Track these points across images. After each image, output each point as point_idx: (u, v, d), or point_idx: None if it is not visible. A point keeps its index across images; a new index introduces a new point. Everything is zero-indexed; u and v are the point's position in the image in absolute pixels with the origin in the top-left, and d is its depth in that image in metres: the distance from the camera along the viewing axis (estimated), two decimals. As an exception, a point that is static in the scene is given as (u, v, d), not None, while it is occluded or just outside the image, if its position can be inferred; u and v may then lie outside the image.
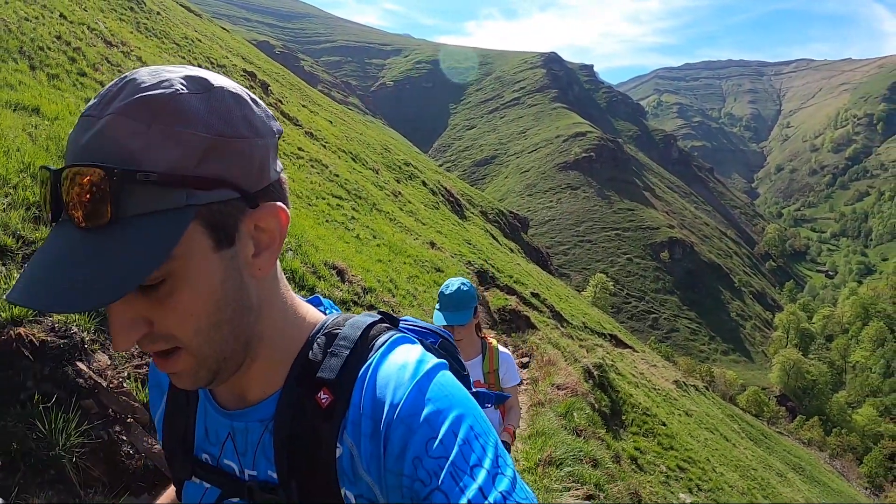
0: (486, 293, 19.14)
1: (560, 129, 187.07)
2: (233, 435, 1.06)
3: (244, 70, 29.11)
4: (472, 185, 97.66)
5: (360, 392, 0.95)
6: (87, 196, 0.79)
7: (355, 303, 8.36)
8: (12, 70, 9.33)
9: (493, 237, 42.13)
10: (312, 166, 20.33)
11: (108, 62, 13.66)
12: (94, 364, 3.41)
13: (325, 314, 1.14)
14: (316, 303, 1.18)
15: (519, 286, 24.89)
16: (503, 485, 0.87)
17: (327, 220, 14.64)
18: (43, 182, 0.85)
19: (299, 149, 21.28)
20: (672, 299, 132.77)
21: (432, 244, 20.76)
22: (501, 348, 4.23)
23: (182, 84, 0.86)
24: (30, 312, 3.36)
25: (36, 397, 3.03)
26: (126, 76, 0.87)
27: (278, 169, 0.97)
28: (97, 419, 3.18)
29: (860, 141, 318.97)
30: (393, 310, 9.08)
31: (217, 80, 0.91)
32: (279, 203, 0.95)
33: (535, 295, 25.62)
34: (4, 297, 0.87)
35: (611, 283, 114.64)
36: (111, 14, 20.35)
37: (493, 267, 25.12)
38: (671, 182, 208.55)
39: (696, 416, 22.46)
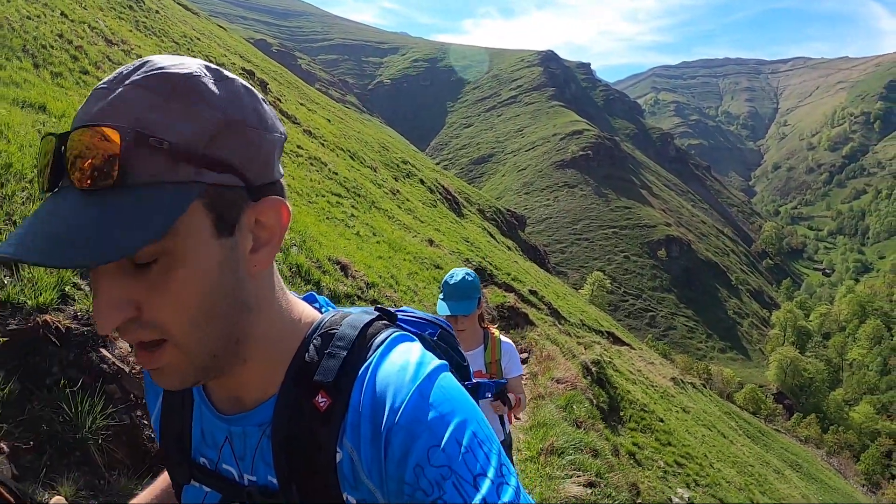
0: (484, 290, 19.21)
1: (557, 128, 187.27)
2: (230, 439, 1.03)
3: (243, 68, 29.20)
4: (469, 184, 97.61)
5: (360, 395, 0.92)
6: (96, 155, 0.78)
7: (359, 297, 8.49)
8: (17, 68, 9.42)
9: (491, 235, 42.21)
10: (312, 164, 20.42)
11: (110, 60, 13.75)
12: (117, 351, 3.51)
13: (322, 312, 1.10)
14: (311, 300, 1.15)
15: (517, 284, 24.99)
16: (507, 495, 0.85)
17: (328, 218, 14.74)
18: (45, 152, 0.83)
19: (298, 146, 21.37)
20: (669, 297, 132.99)
21: (431, 242, 20.86)
22: (504, 338, 4.20)
23: (200, 68, 0.87)
24: (55, 300, 3.47)
25: (62, 382, 3.12)
26: (143, 59, 0.87)
27: (280, 171, 0.96)
28: (120, 403, 3.26)
29: (857, 139, 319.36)
30: (395, 304, 9.20)
31: (230, 73, 0.91)
32: (281, 198, 0.94)
33: (532, 292, 25.72)
34: None
35: (608, 280, 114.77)
36: (110, 12, 20.43)
37: (491, 264, 25.19)
38: (668, 180, 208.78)
39: (693, 413, 22.58)
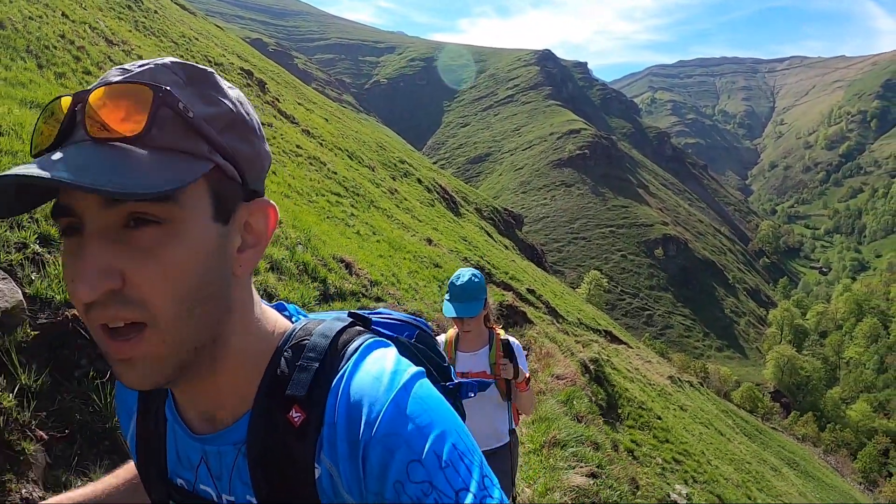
0: (483, 289, 19.26)
1: (554, 127, 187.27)
2: (206, 459, 1.00)
3: (241, 69, 29.22)
4: (466, 183, 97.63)
5: (334, 408, 0.89)
6: (126, 106, 0.79)
7: (364, 294, 8.60)
8: (22, 69, 9.51)
9: (488, 234, 42.24)
10: (311, 164, 20.51)
11: (111, 61, 13.84)
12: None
13: (292, 322, 1.06)
14: (280, 308, 1.10)
15: (515, 282, 25.06)
16: None
17: (328, 217, 14.85)
18: (53, 111, 0.83)
19: (297, 146, 21.47)
20: (666, 296, 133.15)
21: (429, 241, 20.94)
22: (512, 339, 4.12)
23: (214, 70, 0.90)
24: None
25: (90, 374, 3.24)
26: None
27: (263, 189, 0.97)
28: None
29: (854, 138, 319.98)
30: (398, 302, 9.34)
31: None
32: (270, 202, 0.95)
33: (530, 291, 25.79)
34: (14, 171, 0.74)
35: (605, 279, 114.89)
36: (109, 13, 20.50)
37: (489, 263, 25.27)
38: (665, 179, 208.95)
39: (690, 411, 22.71)
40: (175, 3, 38.75)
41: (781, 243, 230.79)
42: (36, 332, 3.22)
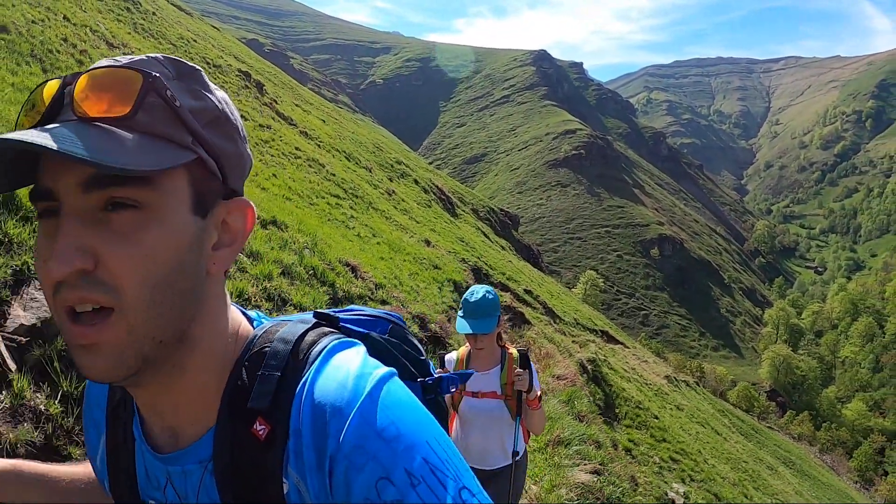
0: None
1: (550, 127, 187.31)
2: (171, 479, 0.96)
3: (239, 70, 29.32)
4: (462, 183, 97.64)
5: (298, 417, 0.85)
6: (113, 87, 0.80)
7: (370, 298, 8.72)
8: (28, 74, 9.60)
9: (485, 235, 42.31)
10: (310, 166, 20.60)
11: (113, 64, 13.93)
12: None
13: (254, 327, 1.02)
14: (241, 313, 1.06)
15: (512, 283, 25.15)
16: None
17: (329, 219, 14.95)
18: (42, 93, 0.85)
19: (296, 148, 21.55)
20: (662, 296, 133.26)
21: (427, 242, 21.00)
22: (525, 350, 3.99)
23: (202, 70, 0.92)
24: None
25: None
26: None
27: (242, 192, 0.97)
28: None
29: (849, 138, 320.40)
30: (402, 304, 9.45)
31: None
32: (249, 202, 0.94)
33: (528, 292, 25.89)
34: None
35: (601, 279, 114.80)
36: (108, 15, 20.59)
37: (486, 264, 25.33)
38: (661, 179, 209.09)
39: (687, 411, 22.80)
40: (171, 3, 38.82)
41: (777, 243, 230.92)
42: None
